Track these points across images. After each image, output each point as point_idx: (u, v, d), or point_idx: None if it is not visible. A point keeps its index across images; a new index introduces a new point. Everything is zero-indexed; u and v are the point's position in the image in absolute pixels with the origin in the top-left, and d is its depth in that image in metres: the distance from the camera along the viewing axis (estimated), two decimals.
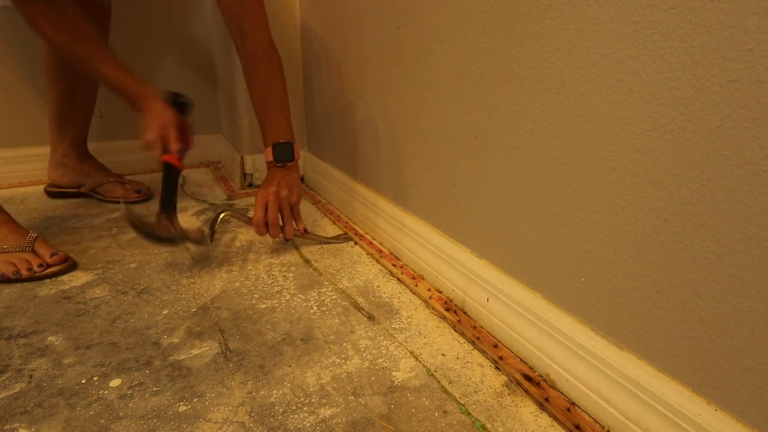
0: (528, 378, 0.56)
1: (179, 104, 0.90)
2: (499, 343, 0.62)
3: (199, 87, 1.51)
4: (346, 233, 1.00)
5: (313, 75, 1.22)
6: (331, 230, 1.03)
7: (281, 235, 0.89)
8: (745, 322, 0.37)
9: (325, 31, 1.10)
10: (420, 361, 0.60)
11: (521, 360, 0.59)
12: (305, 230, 0.92)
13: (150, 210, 1.14)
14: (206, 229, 0.89)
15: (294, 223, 0.90)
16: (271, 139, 0.91)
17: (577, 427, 0.49)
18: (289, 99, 1.25)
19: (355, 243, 0.97)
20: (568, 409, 0.51)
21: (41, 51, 1.09)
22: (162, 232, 0.88)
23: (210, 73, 1.52)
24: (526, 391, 0.55)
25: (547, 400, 0.52)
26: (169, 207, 0.89)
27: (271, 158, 0.90)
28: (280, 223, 0.88)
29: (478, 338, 0.63)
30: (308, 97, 1.28)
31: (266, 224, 0.87)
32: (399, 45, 0.79)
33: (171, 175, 0.89)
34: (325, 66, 1.13)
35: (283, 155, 0.90)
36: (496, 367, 0.59)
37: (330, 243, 0.97)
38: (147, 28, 1.39)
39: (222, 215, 0.87)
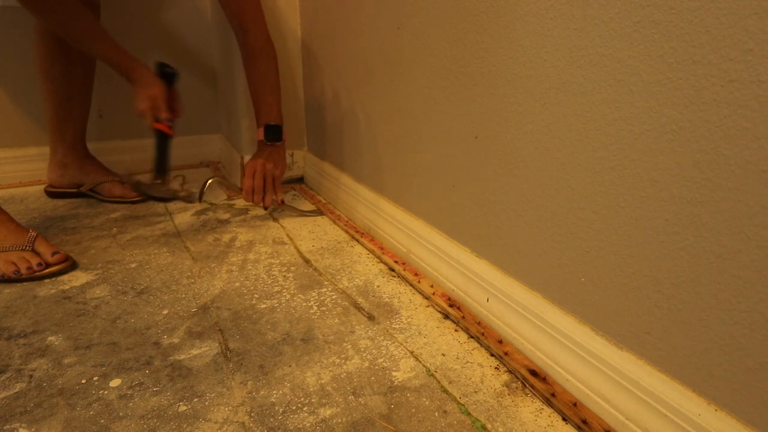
0: (534, 373, 0.56)
1: (167, 74, 1.00)
2: (504, 339, 0.62)
3: (199, 87, 1.51)
4: (318, 209, 1.13)
5: (313, 75, 1.22)
6: (332, 231, 1.03)
7: (262, 203, 1.03)
8: (745, 322, 0.37)
9: (325, 32, 1.10)
10: (420, 361, 0.60)
11: (526, 356, 0.59)
12: (282, 201, 1.06)
13: (150, 209, 1.14)
14: (195, 191, 1.16)
15: (274, 194, 1.04)
16: (264, 121, 1.04)
17: (584, 422, 0.49)
18: (290, 100, 1.31)
19: (322, 214, 1.11)
20: (575, 404, 0.51)
21: (35, 52, 1.09)
22: (157, 192, 1.14)
23: (210, 74, 1.52)
24: (532, 386, 0.55)
25: (553, 395, 0.52)
26: (162, 171, 1.04)
27: (262, 137, 1.04)
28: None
29: (483, 334, 0.63)
30: (308, 97, 1.28)
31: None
32: (399, 45, 0.79)
33: (162, 141, 1.01)
34: (325, 66, 1.13)
35: (273, 135, 1.04)
36: (496, 367, 0.59)
37: (304, 215, 1.10)
38: (147, 29, 1.39)
39: (210, 181, 1.03)
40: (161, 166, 1.03)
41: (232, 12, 1.03)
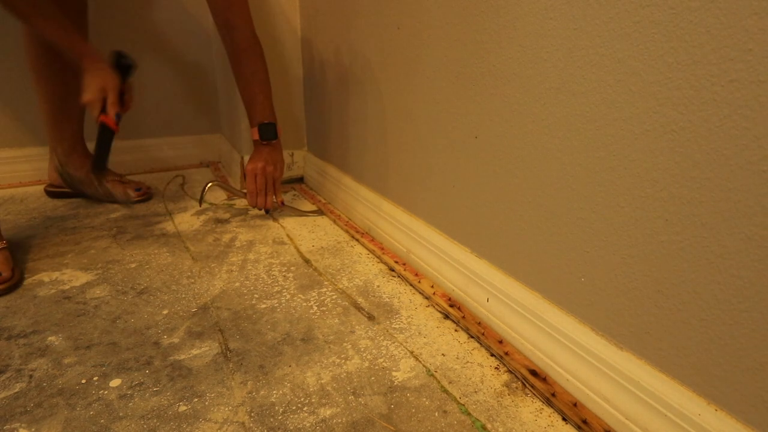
0: (534, 373, 0.56)
1: (123, 66, 0.94)
2: (504, 339, 0.62)
3: (199, 87, 1.51)
4: (319, 209, 1.13)
5: (314, 75, 1.22)
6: (332, 231, 1.03)
7: (263, 206, 1.03)
8: (745, 322, 0.37)
9: (325, 32, 1.10)
10: (420, 361, 0.60)
11: (526, 356, 0.59)
12: (282, 203, 1.07)
13: (150, 209, 1.14)
14: (132, 193, 1.12)
15: (274, 196, 1.04)
16: (257, 120, 1.02)
17: (585, 422, 0.49)
18: (289, 100, 1.29)
19: (323, 214, 1.11)
20: (575, 404, 0.51)
21: (27, 53, 1.08)
22: (88, 190, 1.04)
23: (210, 73, 1.52)
24: (532, 386, 0.55)
25: (553, 395, 0.52)
26: (99, 167, 0.98)
27: (257, 137, 1.02)
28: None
29: (483, 334, 0.63)
30: (308, 97, 1.28)
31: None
32: (399, 45, 0.79)
33: (106, 136, 0.95)
34: (325, 66, 1.13)
35: (268, 133, 1.02)
36: (496, 367, 0.59)
37: (304, 215, 1.10)
38: (147, 28, 1.39)
39: (209, 185, 1.04)
40: (99, 162, 0.98)
41: (218, 8, 1.00)
